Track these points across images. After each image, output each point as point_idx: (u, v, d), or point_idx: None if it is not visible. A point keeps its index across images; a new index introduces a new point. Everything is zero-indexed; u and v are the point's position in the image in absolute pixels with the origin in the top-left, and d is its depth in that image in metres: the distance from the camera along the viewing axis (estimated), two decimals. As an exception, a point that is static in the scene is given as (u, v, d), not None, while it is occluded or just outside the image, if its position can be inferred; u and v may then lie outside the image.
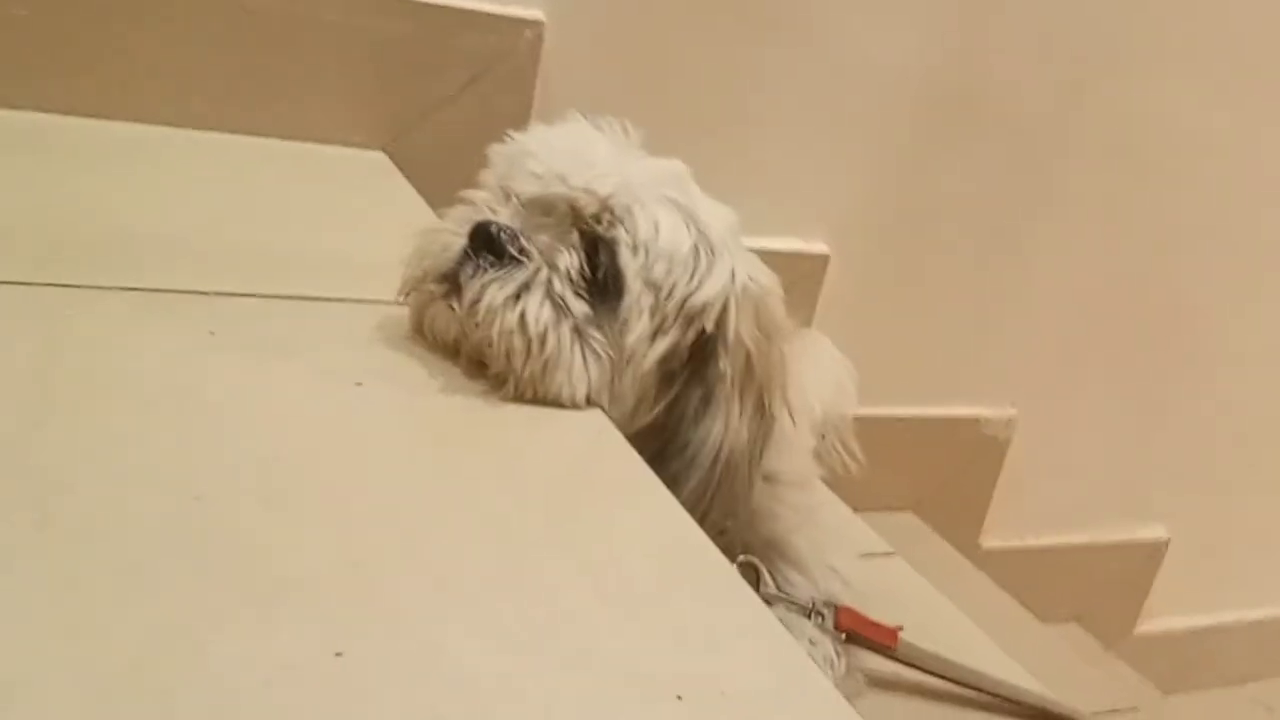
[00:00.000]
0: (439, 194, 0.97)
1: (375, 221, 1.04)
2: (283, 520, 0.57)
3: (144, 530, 0.54)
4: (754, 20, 1.35)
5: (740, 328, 0.78)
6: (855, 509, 1.31)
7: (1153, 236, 1.78)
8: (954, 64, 1.49)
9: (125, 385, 0.66)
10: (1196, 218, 1.80)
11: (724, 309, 0.78)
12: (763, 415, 0.81)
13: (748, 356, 0.79)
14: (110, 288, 0.76)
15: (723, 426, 0.78)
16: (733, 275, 0.79)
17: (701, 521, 0.69)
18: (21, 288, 0.74)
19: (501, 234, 0.74)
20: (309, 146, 1.16)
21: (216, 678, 0.46)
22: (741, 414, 0.79)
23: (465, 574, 0.57)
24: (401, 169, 1.16)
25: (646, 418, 0.80)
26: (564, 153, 0.78)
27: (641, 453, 0.75)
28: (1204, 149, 1.74)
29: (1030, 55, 1.54)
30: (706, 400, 0.79)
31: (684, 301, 0.78)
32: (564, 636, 0.54)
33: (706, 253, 0.79)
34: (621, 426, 0.77)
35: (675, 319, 0.78)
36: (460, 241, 0.75)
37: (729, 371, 0.78)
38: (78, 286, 0.75)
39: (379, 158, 1.18)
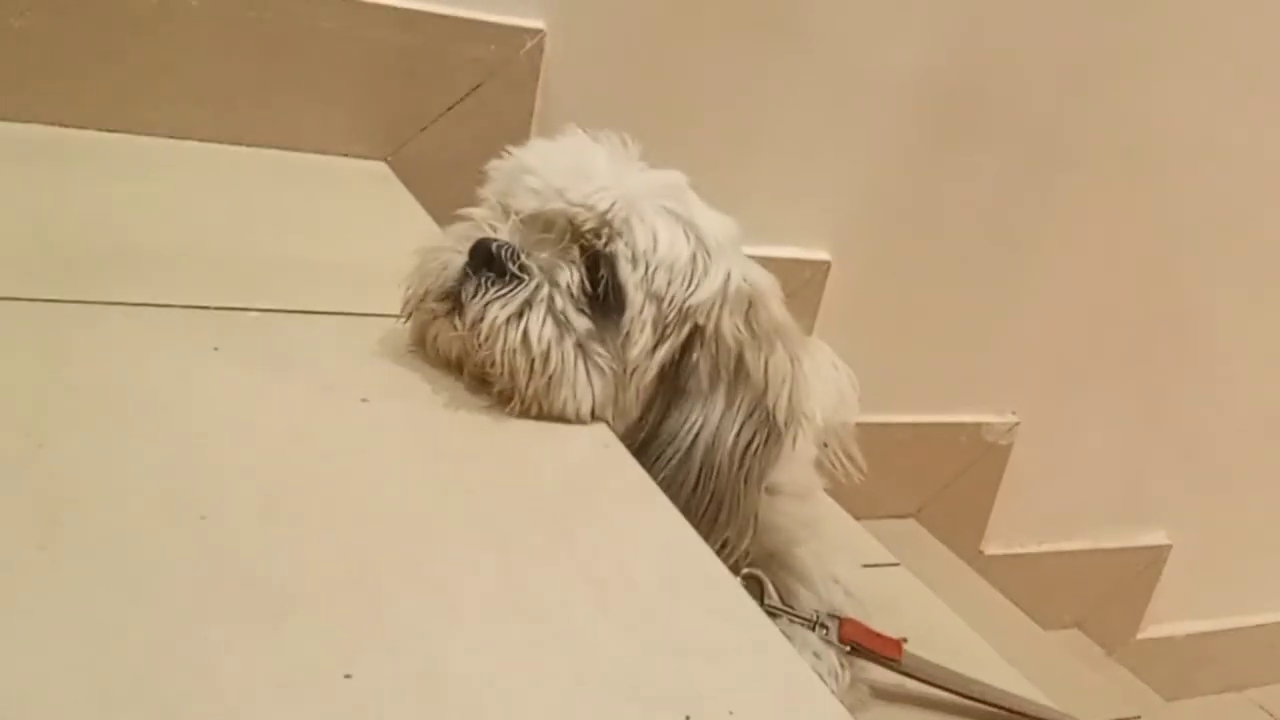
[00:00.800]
0: (441, 204, 0.97)
1: (378, 233, 1.04)
2: (289, 537, 0.58)
3: (150, 548, 0.54)
4: (755, 29, 1.35)
5: (722, 323, 0.78)
6: (857, 517, 1.31)
7: (1153, 243, 1.78)
8: (955, 71, 1.49)
9: (130, 402, 0.66)
10: (1199, 223, 1.81)
11: (711, 306, 0.78)
12: (767, 423, 0.80)
13: (737, 357, 0.79)
14: (113, 303, 0.76)
15: (698, 420, 0.78)
16: (727, 277, 0.79)
17: None
18: (23, 304, 0.74)
19: (502, 251, 0.74)
20: (310, 157, 1.16)
21: (224, 696, 0.46)
22: (727, 411, 0.79)
23: (472, 591, 0.57)
24: (403, 179, 1.16)
25: (649, 428, 0.80)
26: (562, 168, 0.78)
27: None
28: (1206, 154, 1.75)
29: (1031, 61, 1.54)
30: (680, 394, 0.79)
31: (681, 307, 0.78)
32: (571, 654, 0.54)
33: (704, 258, 0.79)
34: (626, 439, 0.77)
35: (674, 325, 0.78)
36: (460, 259, 0.75)
37: (703, 364, 0.78)
38: (80, 302, 0.75)
39: (380, 168, 1.19)
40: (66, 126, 1.06)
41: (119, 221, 0.91)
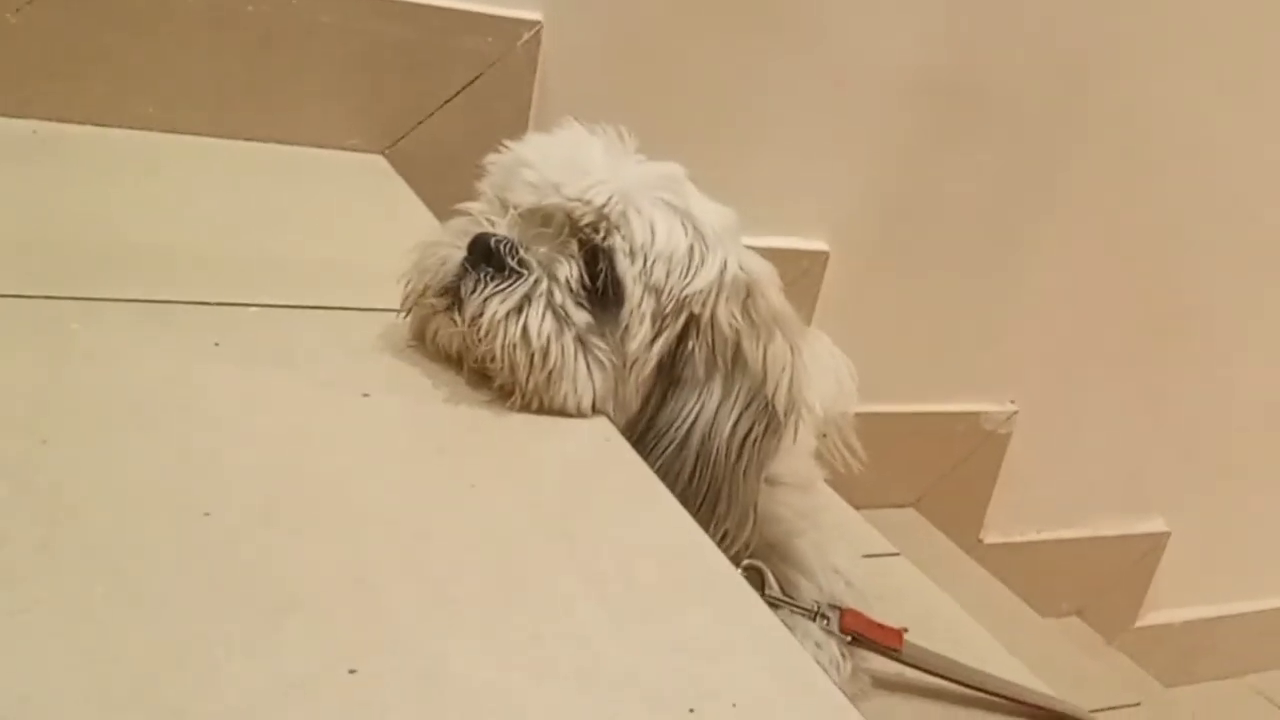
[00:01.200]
0: (439, 197, 0.97)
1: (376, 226, 1.04)
2: (291, 534, 0.58)
3: (152, 549, 0.54)
4: (753, 20, 1.35)
5: (718, 311, 0.78)
6: (856, 507, 1.31)
7: (1152, 231, 1.78)
8: (954, 61, 1.49)
9: (131, 400, 0.66)
10: (1197, 212, 1.81)
11: (707, 294, 0.78)
12: (766, 413, 0.80)
13: (735, 345, 0.79)
14: (112, 299, 0.76)
15: (694, 409, 0.78)
16: (723, 265, 0.79)
17: None
18: (22, 300, 0.73)
19: (500, 246, 0.74)
20: (308, 151, 1.16)
21: (227, 695, 0.46)
22: (724, 401, 0.79)
23: (474, 588, 0.57)
24: (400, 172, 1.16)
25: (647, 417, 0.80)
26: (559, 162, 0.78)
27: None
28: (1206, 144, 1.75)
29: (1031, 50, 1.54)
30: (676, 383, 0.79)
31: (678, 297, 0.78)
32: (574, 651, 0.54)
33: (701, 249, 0.79)
34: (627, 431, 0.78)
35: (671, 316, 0.78)
36: (459, 254, 0.75)
37: (698, 353, 0.78)
38: (79, 299, 0.75)
39: (378, 161, 1.18)
40: (64, 122, 1.06)
41: (117, 218, 0.91)
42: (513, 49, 1.21)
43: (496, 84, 1.21)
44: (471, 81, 1.20)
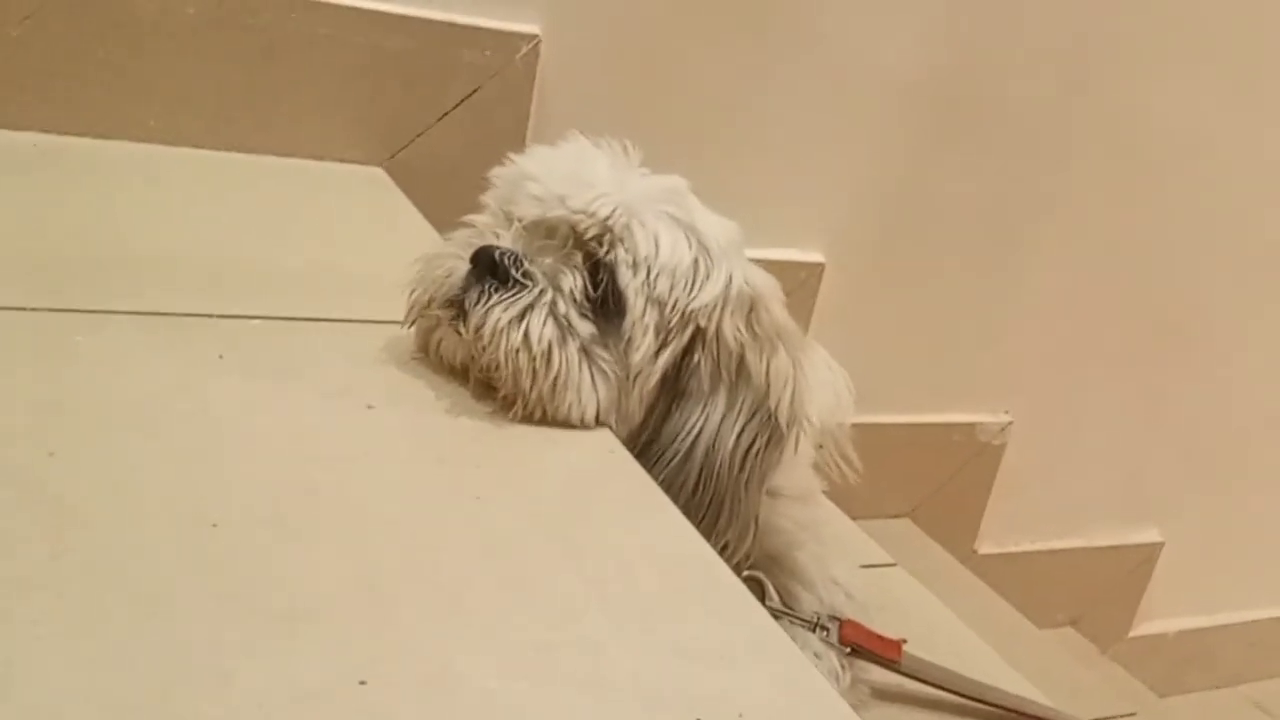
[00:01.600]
0: (438, 209, 0.97)
1: (376, 239, 1.04)
2: (299, 546, 0.58)
3: (161, 559, 0.54)
4: (750, 33, 1.36)
5: (723, 324, 0.79)
6: (852, 517, 1.31)
7: (1147, 242, 1.79)
8: (949, 73, 1.50)
9: (136, 411, 0.66)
10: (1192, 223, 1.81)
11: (713, 308, 0.79)
12: (769, 425, 0.80)
13: (739, 358, 0.79)
14: (116, 312, 0.76)
15: (698, 422, 0.78)
16: (729, 279, 0.80)
17: None
18: (26, 313, 0.74)
19: (505, 258, 0.75)
20: (307, 163, 1.16)
21: (238, 705, 0.47)
22: (728, 413, 0.79)
23: (480, 597, 0.58)
24: (400, 184, 1.17)
25: (650, 429, 0.80)
26: (563, 175, 0.78)
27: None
28: (1202, 153, 1.75)
29: (1026, 61, 1.55)
30: (681, 395, 0.79)
31: (684, 311, 0.78)
32: (579, 659, 0.55)
33: (705, 262, 0.79)
34: (629, 443, 0.78)
35: (677, 329, 0.79)
36: (464, 266, 0.76)
37: (704, 366, 0.79)
38: (83, 311, 0.76)
39: (377, 173, 1.19)
40: (65, 134, 1.06)
41: (119, 230, 0.91)
42: (511, 62, 1.21)
43: (495, 96, 1.22)
44: (470, 94, 1.21)
